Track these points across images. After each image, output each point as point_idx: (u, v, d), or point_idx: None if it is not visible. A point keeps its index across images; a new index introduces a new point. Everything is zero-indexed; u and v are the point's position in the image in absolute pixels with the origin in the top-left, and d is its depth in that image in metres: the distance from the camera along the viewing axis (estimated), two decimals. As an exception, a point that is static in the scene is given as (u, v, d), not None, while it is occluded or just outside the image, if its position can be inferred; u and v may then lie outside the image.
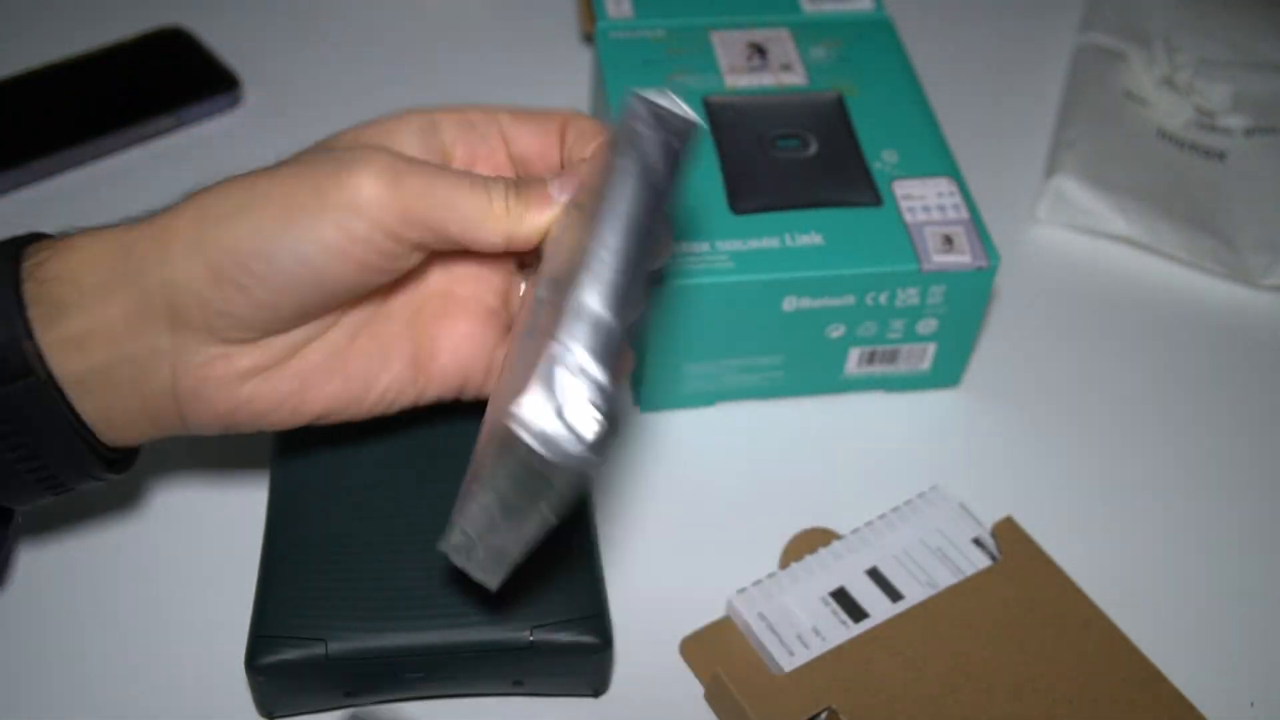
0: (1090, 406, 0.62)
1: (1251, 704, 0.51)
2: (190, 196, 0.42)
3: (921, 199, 0.58)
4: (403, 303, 0.46)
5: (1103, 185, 0.69)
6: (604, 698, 0.50)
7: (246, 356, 0.42)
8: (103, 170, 0.68)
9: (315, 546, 0.48)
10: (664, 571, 0.54)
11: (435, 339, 0.46)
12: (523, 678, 0.48)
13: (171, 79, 0.71)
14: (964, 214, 0.57)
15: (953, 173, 0.59)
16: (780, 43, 0.65)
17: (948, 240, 0.56)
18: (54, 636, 0.50)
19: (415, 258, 0.43)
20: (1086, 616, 0.51)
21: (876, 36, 0.65)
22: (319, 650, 0.46)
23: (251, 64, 0.73)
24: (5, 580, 0.49)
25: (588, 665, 0.48)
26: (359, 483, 0.50)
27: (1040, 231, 0.70)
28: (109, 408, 0.42)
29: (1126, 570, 0.55)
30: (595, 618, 0.47)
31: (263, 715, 0.48)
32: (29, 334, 0.40)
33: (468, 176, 0.42)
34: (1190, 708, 0.49)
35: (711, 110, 0.61)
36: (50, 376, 0.41)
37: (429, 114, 0.45)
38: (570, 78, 0.74)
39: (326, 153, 0.42)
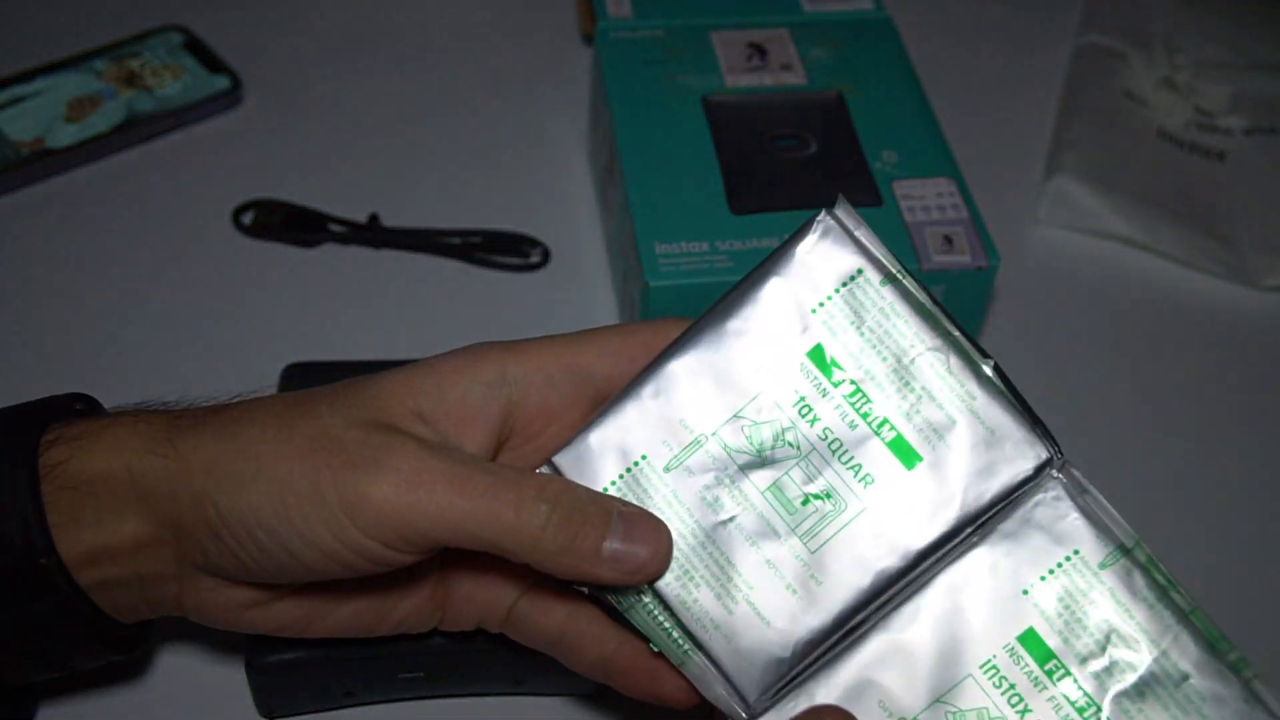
0: (1089, 406, 0.62)
1: (1251, 704, 0.51)
2: (215, 424, 0.39)
3: (921, 199, 0.58)
4: None
5: (1103, 185, 0.69)
6: (604, 697, 0.50)
7: (250, 591, 0.40)
8: (103, 170, 0.68)
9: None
10: (664, 571, 0.54)
11: (459, 574, 0.43)
12: (523, 677, 0.48)
13: (171, 79, 0.72)
14: (964, 214, 0.57)
15: (953, 173, 0.59)
16: (780, 43, 0.65)
17: (948, 240, 0.56)
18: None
19: (428, 556, 0.39)
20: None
21: (876, 36, 0.65)
22: (319, 650, 0.46)
23: (251, 64, 0.73)
24: None
25: (588, 665, 0.48)
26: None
27: (1040, 231, 0.70)
28: (116, 608, 0.41)
29: (1126, 570, 0.55)
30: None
31: (263, 715, 0.48)
32: (51, 549, 0.38)
33: (507, 489, 0.37)
34: (1190, 708, 0.49)
35: (711, 110, 0.61)
36: (74, 589, 0.39)
37: (502, 363, 0.40)
38: (570, 78, 0.74)
39: (355, 427, 0.38)
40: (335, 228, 0.66)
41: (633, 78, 0.63)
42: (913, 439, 0.38)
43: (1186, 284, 0.68)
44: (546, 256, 0.66)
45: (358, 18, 0.78)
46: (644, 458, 0.40)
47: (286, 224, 0.66)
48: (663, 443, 0.39)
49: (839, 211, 0.40)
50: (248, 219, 0.66)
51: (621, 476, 0.40)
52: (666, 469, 0.39)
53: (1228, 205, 0.70)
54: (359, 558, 0.37)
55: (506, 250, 0.66)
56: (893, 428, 0.39)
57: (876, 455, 0.39)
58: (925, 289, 0.40)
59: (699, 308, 0.55)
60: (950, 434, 0.38)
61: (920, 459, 0.38)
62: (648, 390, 0.40)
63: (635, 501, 0.39)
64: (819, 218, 0.40)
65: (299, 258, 0.65)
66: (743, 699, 0.38)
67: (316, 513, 0.37)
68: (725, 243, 0.55)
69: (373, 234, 0.65)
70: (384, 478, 0.36)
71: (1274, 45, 0.78)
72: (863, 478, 0.39)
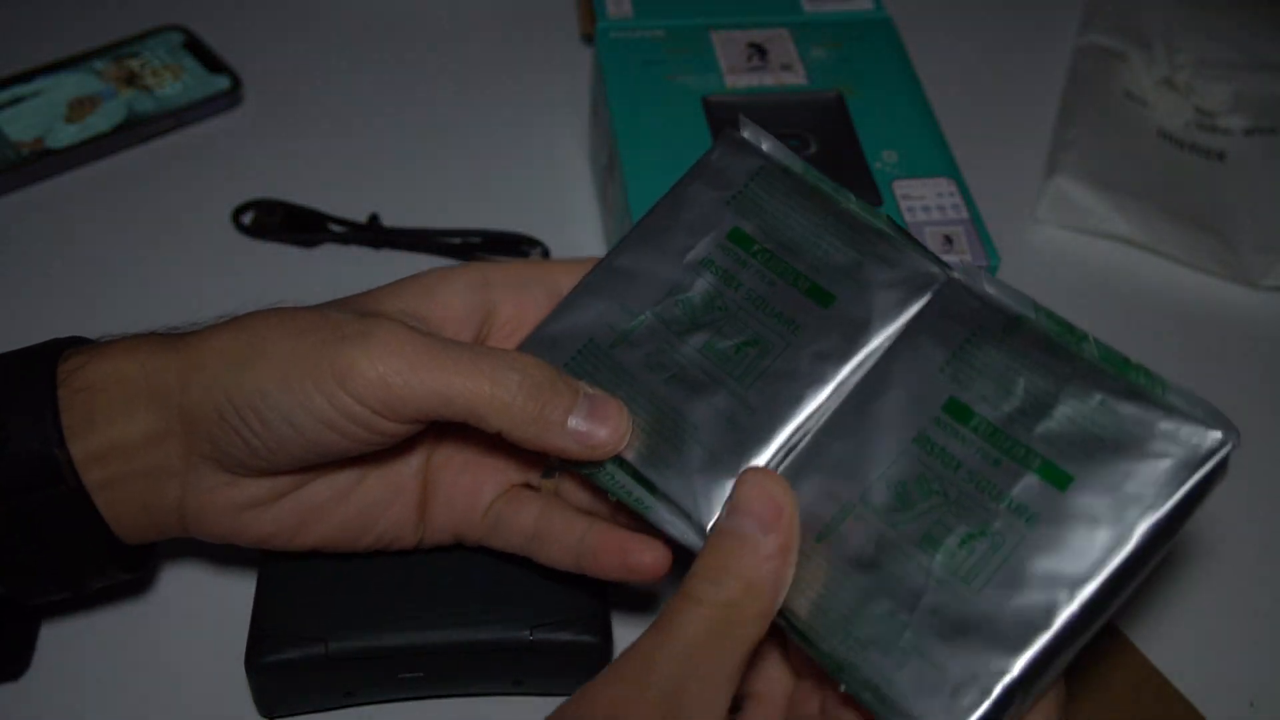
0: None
1: (1251, 704, 0.51)
2: (223, 325, 0.42)
3: (921, 199, 0.58)
4: (422, 444, 0.46)
5: (1103, 185, 0.69)
6: (604, 697, 0.50)
7: (251, 486, 0.43)
8: (103, 170, 0.68)
9: (315, 546, 0.48)
10: (664, 571, 0.54)
11: (439, 481, 0.46)
12: (523, 677, 0.48)
13: (171, 79, 0.72)
14: (964, 214, 0.57)
15: (953, 173, 0.59)
16: (780, 43, 0.65)
17: (948, 240, 0.56)
18: (56, 636, 0.50)
19: (415, 428, 0.42)
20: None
21: (876, 36, 0.65)
22: (319, 650, 0.46)
23: (251, 64, 0.73)
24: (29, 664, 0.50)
25: (588, 665, 0.48)
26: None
27: (1040, 231, 0.70)
28: (118, 515, 0.43)
29: (1126, 570, 0.55)
30: (595, 617, 0.47)
31: (263, 715, 0.48)
32: (62, 443, 0.41)
33: (483, 361, 0.41)
34: (1190, 708, 0.49)
35: (711, 110, 0.61)
36: (80, 485, 0.41)
37: (484, 271, 0.45)
38: (570, 78, 0.74)
39: (349, 314, 0.42)
40: (335, 228, 0.66)
41: (633, 78, 0.63)
42: (825, 283, 0.43)
43: (1186, 284, 0.68)
44: (546, 256, 0.66)
45: (358, 18, 0.78)
46: (591, 340, 0.44)
47: (286, 224, 0.66)
48: (608, 325, 0.44)
49: (743, 131, 0.46)
50: (248, 219, 0.66)
51: (573, 358, 0.44)
52: (613, 345, 0.44)
53: (1227, 205, 0.70)
54: (352, 424, 0.40)
55: (506, 250, 0.66)
56: (806, 278, 0.43)
57: (794, 302, 0.43)
58: (829, 180, 0.45)
59: (699, 307, 0.55)
60: (857, 273, 0.43)
61: (835, 298, 0.43)
62: (593, 284, 0.45)
63: (587, 377, 0.43)
64: (725, 133, 0.47)
65: (299, 258, 0.65)
66: (700, 528, 0.41)
67: (314, 381, 0.40)
68: (725, 243, 0.55)
69: (373, 234, 0.65)
70: (372, 349, 0.40)
71: (1274, 44, 0.78)
72: (785, 322, 0.43)
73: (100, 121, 0.68)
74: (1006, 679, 0.36)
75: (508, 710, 0.49)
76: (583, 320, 0.45)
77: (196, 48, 0.73)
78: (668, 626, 0.37)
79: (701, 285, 0.44)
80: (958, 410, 0.40)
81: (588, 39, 0.76)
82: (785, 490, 0.39)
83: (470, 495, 0.46)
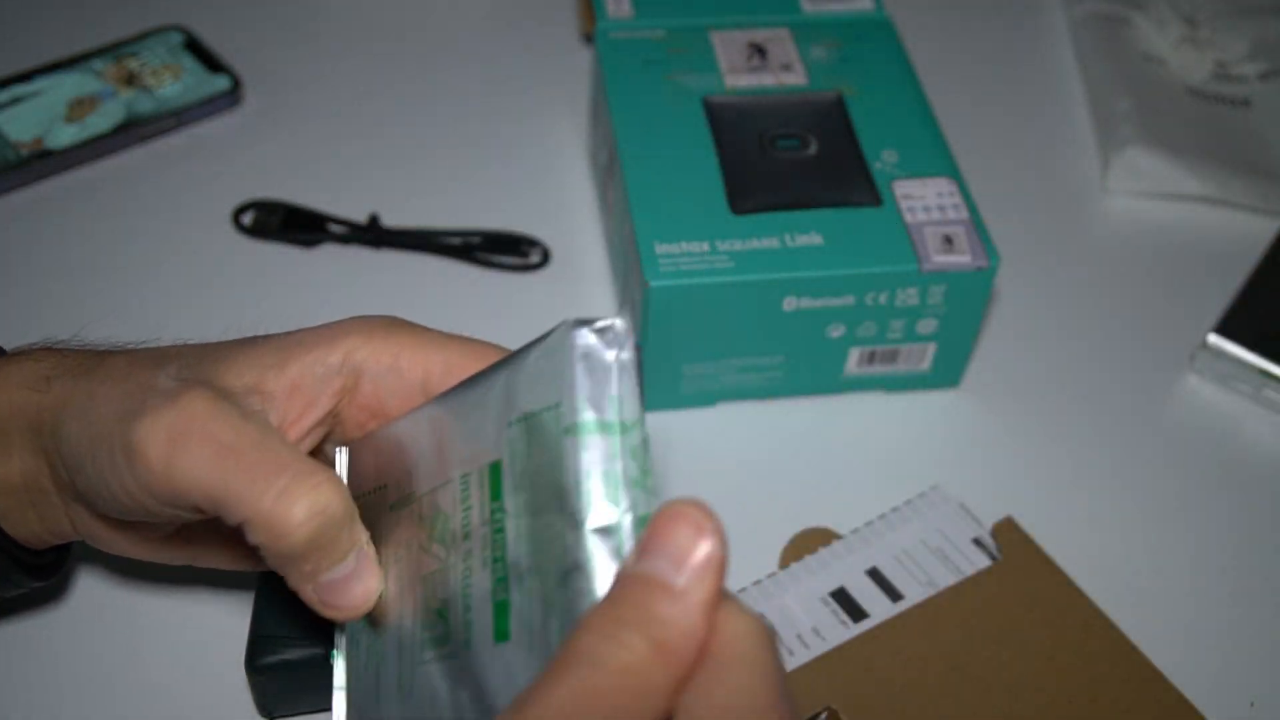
0: (1090, 406, 0.62)
1: (1251, 704, 0.51)
2: (98, 360, 0.40)
3: (921, 199, 0.58)
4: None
5: (1169, 149, 0.70)
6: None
7: (128, 526, 0.41)
8: (103, 170, 0.68)
9: (315, 546, 0.48)
10: (664, 571, 0.54)
11: None
12: (523, 678, 0.48)
13: (171, 79, 0.72)
14: (964, 214, 0.57)
15: (952, 173, 0.59)
16: (780, 43, 0.65)
17: (947, 240, 0.56)
18: (55, 636, 0.50)
19: (196, 517, 0.38)
20: (1086, 616, 0.51)
21: (876, 36, 0.65)
22: (319, 650, 0.46)
23: (251, 64, 0.73)
24: None
25: (588, 665, 0.48)
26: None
27: (1040, 232, 0.70)
28: (26, 538, 0.42)
29: (1126, 570, 0.55)
30: (595, 618, 0.47)
31: (263, 715, 0.48)
32: None
33: (278, 474, 0.35)
34: (1190, 708, 0.49)
35: (711, 110, 0.61)
36: None
37: (351, 351, 0.39)
38: (570, 78, 0.74)
39: (178, 378, 0.38)
40: (335, 228, 0.66)
41: (633, 78, 0.63)
42: (509, 620, 0.33)
43: (1258, 230, 0.68)
44: (546, 256, 0.66)
45: (358, 18, 0.78)
46: (383, 487, 0.39)
47: (286, 224, 0.66)
48: (398, 484, 0.39)
49: (587, 334, 0.33)
50: (248, 219, 0.66)
51: (369, 494, 0.40)
52: (393, 506, 0.39)
53: (1265, 148, 0.71)
54: (147, 507, 0.37)
55: (506, 250, 0.66)
56: (504, 588, 0.34)
57: (479, 624, 0.34)
58: (641, 455, 0.32)
59: (699, 307, 0.55)
60: (543, 629, 0.32)
61: (509, 639, 0.33)
62: (421, 418, 0.38)
63: (378, 516, 0.39)
64: (563, 335, 0.33)
65: (299, 258, 0.65)
66: None
67: (107, 457, 0.36)
68: (725, 243, 0.55)
69: (373, 234, 0.65)
70: (158, 429, 0.35)
71: None
72: (459, 636, 0.35)
73: (100, 121, 0.68)
74: None
75: (508, 710, 0.49)
76: (399, 455, 0.38)
77: (196, 48, 0.73)
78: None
79: (448, 505, 0.36)
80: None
81: (588, 39, 0.76)
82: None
83: None
